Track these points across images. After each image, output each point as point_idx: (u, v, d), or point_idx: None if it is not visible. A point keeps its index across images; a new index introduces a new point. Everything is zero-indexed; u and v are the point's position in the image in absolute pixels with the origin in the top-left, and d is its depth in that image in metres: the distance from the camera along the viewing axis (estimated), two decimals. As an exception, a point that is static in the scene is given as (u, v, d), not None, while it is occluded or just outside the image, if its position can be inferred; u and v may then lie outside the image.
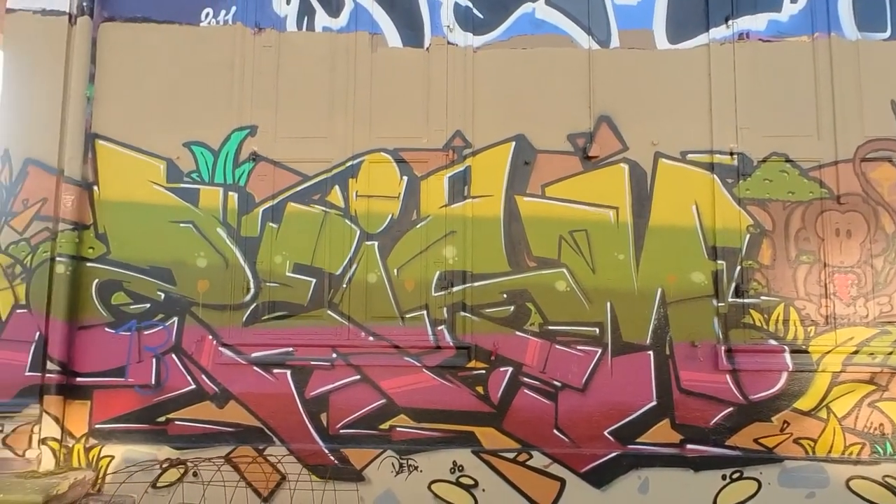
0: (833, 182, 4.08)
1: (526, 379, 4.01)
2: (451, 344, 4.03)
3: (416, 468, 3.93)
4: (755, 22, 4.22)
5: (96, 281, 4.18)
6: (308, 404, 4.04)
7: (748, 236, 4.05)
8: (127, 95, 4.33)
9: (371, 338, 4.07)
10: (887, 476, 3.84)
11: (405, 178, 4.19)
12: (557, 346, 4.02)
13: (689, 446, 3.92)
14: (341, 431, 4.01)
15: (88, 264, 4.20)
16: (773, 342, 4.00)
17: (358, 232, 4.15)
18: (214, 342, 4.09)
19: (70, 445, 4.03)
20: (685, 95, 4.18)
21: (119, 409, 4.08)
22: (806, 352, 3.96)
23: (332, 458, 3.96)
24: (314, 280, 4.14)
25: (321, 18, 4.35)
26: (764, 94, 4.16)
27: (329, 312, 4.11)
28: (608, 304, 4.04)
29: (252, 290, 4.13)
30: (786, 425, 3.93)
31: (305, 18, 4.36)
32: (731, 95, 4.16)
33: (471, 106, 4.22)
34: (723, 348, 3.95)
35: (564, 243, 4.10)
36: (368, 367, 4.05)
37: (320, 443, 3.99)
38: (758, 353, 3.98)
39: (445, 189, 4.16)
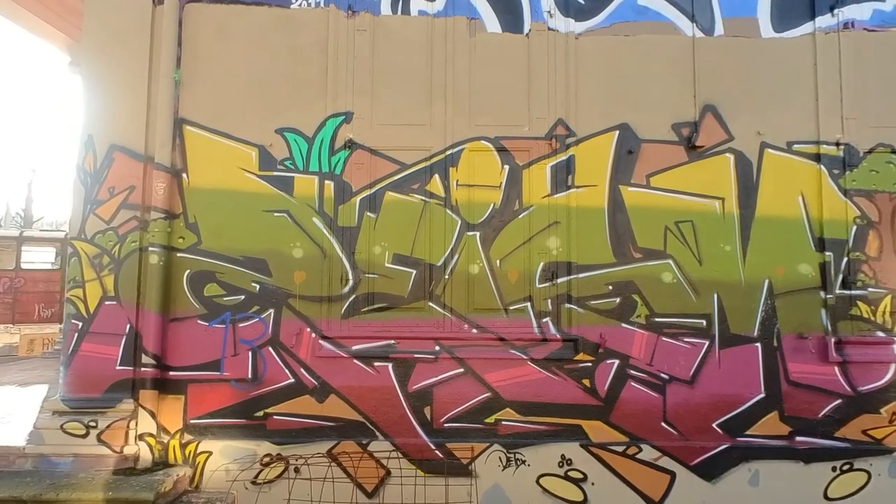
0: (939, 173, 3.88)
1: (633, 371, 3.79)
2: (558, 336, 3.79)
3: (523, 462, 3.70)
4: (860, 11, 4.00)
5: (188, 272, 3.87)
6: (411, 398, 3.79)
7: (855, 228, 3.86)
8: (215, 80, 4.00)
9: (475, 330, 3.82)
10: None
11: (506, 166, 3.93)
12: (664, 339, 3.81)
13: (799, 438, 3.74)
14: (446, 425, 3.77)
15: (179, 254, 3.89)
16: (881, 334, 3.81)
17: (459, 222, 3.88)
18: (313, 335, 3.82)
19: (165, 441, 3.73)
20: (790, 85, 3.96)
21: (215, 404, 3.80)
22: (914, 343, 3.77)
23: (437, 452, 3.70)
24: (414, 271, 3.87)
25: (417, 2, 4.06)
26: (869, 85, 3.96)
27: (431, 304, 3.85)
28: (715, 296, 3.83)
29: (351, 282, 3.85)
30: (894, 417, 3.74)
31: (400, 2, 4.05)
32: (837, 85, 3.94)
33: (573, 94, 3.95)
34: (832, 340, 3.75)
35: (670, 234, 3.87)
36: (472, 359, 3.80)
37: (424, 437, 3.75)
38: (866, 345, 3.80)
39: (548, 178, 3.91)
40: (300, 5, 4.06)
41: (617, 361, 3.82)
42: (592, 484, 3.71)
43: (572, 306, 3.85)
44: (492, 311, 3.87)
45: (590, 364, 3.81)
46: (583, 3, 4.03)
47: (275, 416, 3.80)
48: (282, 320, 3.86)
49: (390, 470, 3.72)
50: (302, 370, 3.83)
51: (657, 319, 3.84)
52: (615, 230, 3.89)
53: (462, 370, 3.81)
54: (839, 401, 3.77)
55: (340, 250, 3.89)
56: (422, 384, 3.81)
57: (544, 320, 3.85)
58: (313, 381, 3.82)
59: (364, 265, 3.90)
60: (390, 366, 3.82)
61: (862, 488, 3.70)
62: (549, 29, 4.03)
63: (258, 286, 3.88)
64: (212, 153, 3.97)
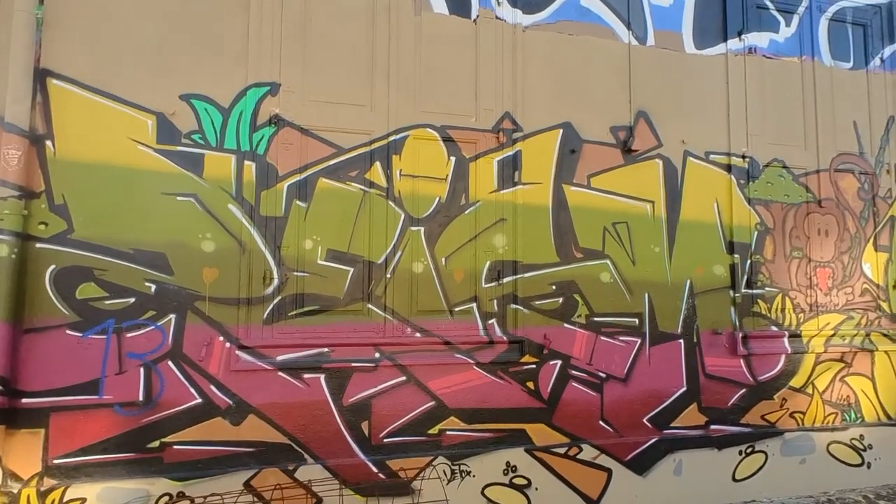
0: (816, 188, 4.25)
1: (574, 372, 3.60)
2: (504, 339, 3.45)
3: (468, 473, 3.31)
4: (760, 39, 4.24)
5: (52, 267, 2.85)
6: (346, 412, 3.19)
7: (756, 233, 4.07)
8: (96, 23, 3.00)
9: (418, 334, 3.33)
10: (853, 439, 4.11)
11: (453, 158, 3.49)
12: (602, 338, 3.67)
13: (713, 427, 3.83)
14: (385, 441, 3.23)
15: (40, 245, 2.84)
16: (774, 328, 4.05)
17: (402, 216, 3.36)
18: (228, 344, 3.03)
19: (16, 490, 2.69)
20: (708, 99, 4.06)
21: (90, 437, 2.84)
22: (798, 336, 4.08)
23: (376, 471, 3.15)
24: (352, 269, 3.27)
25: (356, -33, 3.42)
26: (767, 106, 4.20)
27: (370, 306, 3.28)
28: (646, 296, 3.78)
29: (276, 281, 3.13)
30: (784, 402, 4.02)
31: (338, -36, 3.39)
32: (743, 104, 4.13)
33: (520, 87, 3.65)
34: (739, 335, 3.90)
35: (608, 235, 3.73)
36: (416, 366, 3.32)
37: (362, 456, 3.17)
38: (764, 339, 4.03)
39: (495, 173, 3.55)
40: (214, -52, 3.20)
41: (559, 362, 3.59)
42: (536, 489, 3.43)
43: (518, 307, 3.53)
44: (436, 312, 3.41)
45: (534, 366, 3.53)
46: (530, -5, 3.72)
47: (175, 447, 2.94)
48: (186, 327, 3.01)
49: (322, 497, 3.08)
50: (212, 388, 3.01)
51: (596, 319, 3.69)
52: (559, 229, 3.66)
53: (404, 378, 3.30)
54: (744, 390, 3.94)
55: (263, 244, 3.14)
56: (359, 396, 3.22)
57: (490, 322, 3.48)
58: (227, 399, 3.03)
59: (292, 262, 3.19)
60: (322, 377, 3.18)
61: (761, 468, 3.89)
62: (496, 17, 3.66)
63: (154, 286, 2.98)
64: (89, 118, 2.97)
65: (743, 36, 4.20)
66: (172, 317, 3.00)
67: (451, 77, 3.57)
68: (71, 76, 2.96)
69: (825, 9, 4.46)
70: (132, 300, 2.96)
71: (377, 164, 3.37)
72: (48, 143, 2.91)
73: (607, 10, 3.90)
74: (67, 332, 2.86)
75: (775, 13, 4.33)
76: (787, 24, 4.35)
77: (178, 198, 3.06)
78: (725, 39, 4.16)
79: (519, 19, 3.71)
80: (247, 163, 3.17)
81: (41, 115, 2.91)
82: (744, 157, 4.11)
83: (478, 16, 3.64)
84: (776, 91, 4.27)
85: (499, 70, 3.64)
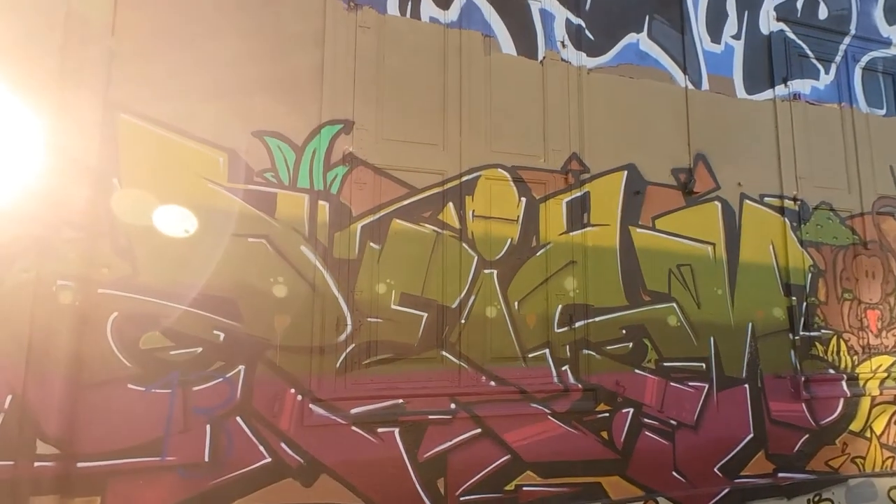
0: (861, 230, 4.30)
1: (646, 420, 3.46)
2: (579, 386, 3.31)
3: (546, 533, 3.09)
4: (803, 86, 4.34)
5: (114, 315, 2.60)
6: (422, 468, 2.97)
7: (810, 275, 4.06)
8: (170, 58, 2.85)
9: (493, 382, 3.16)
10: (912, 484, 4.06)
11: (524, 199, 3.41)
12: (672, 384, 3.55)
13: (781, 475, 3.72)
14: (462, 499, 3.01)
15: (102, 290, 2.60)
16: (831, 371, 4.01)
17: (476, 258, 3.23)
18: (300, 397, 2.81)
19: (68, 570, 2.38)
20: (760, 142, 4.12)
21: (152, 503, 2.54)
22: (855, 379, 4.04)
23: (454, 534, 2.92)
24: (426, 314, 3.10)
25: (428, 7, 3.39)
26: (813, 150, 4.27)
27: (445, 354, 3.11)
28: (711, 339, 3.69)
29: (349, 328, 2.94)
30: (845, 446, 3.95)
31: (409, 4, 3.35)
32: (791, 147, 4.19)
33: (586, 129, 3.61)
34: (801, 378, 3.84)
35: (673, 277, 3.66)
36: (492, 417, 3.14)
37: (438, 517, 2.93)
38: (823, 382, 3.97)
39: (564, 215, 3.47)
40: (289, -15, 3.11)
41: (632, 410, 3.46)
42: (614, 547, 3.23)
43: (590, 352, 3.40)
44: (510, 359, 3.25)
45: (608, 414, 3.39)
46: (593, 39, 3.74)
47: (243, 512, 2.66)
48: (256, 379, 2.78)
49: (398, 564, 2.82)
50: (283, 445, 2.77)
51: (665, 364, 3.57)
52: (626, 272, 3.57)
53: (480, 430, 3.11)
54: (807, 435, 3.86)
55: (336, 288, 2.96)
56: (435, 451, 3.01)
57: (563, 368, 3.34)
58: (298, 458, 2.79)
59: (365, 307, 3.01)
60: (397, 431, 2.96)
61: (828, 517, 3.78)
62: (562, 59, 3.65)
63: (223, 334, 2.75)
64: (158, 154, 2.78)
65: (788, 82, 4.29)
66: (241, 368, 2.77)
67: (520, 117, 3.52)
68: (141, 111, 2.79)
69: (859, 58, 4.62)
70: (199, 350, 2.72)
71: (450, 204, 3.26)
72: (115, 180, 2.70)
73: (664, 55, 3.94)
74: (129, 386, 2.60)
75: (815, 62, 4.46)
76: (826, 72, 4.48)
77: (250, 239, 2.87)
78: (773, 85, 4.24)
79: (583, 62, 3.71)
80: (320, 202, 3.01)
81: (109, 151, 2.71)
82: (795, 199, 4.14)
83: (544, 57, 3.63)
84: (819, 136, 4.36)
85: (565, 111, 3.61)
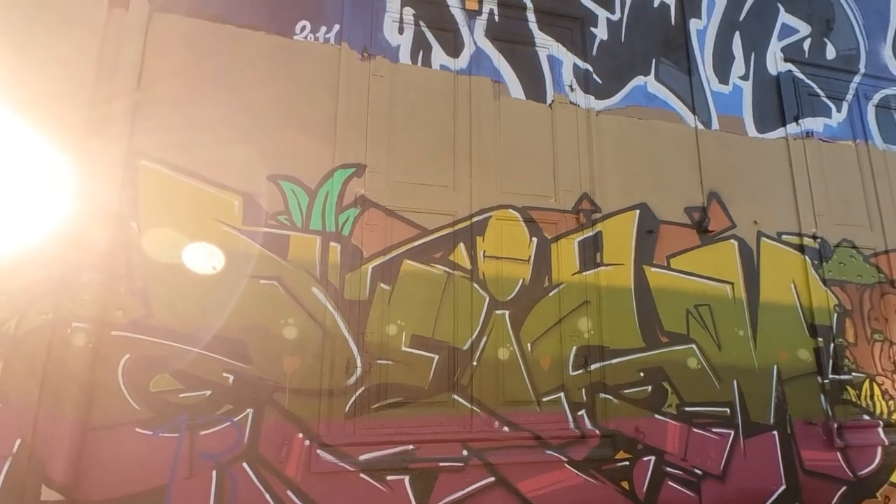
0: (886, 268, 4.17)
1: (669, 469, 3.28)
2: (597, 432, 3.18)
3: (566, 593, 2.89)
4: (815, 124, 4.32)
5: (126, 357, 2.61)
6: (433, 520, 2.83)
7: (836, 315, 3.91)
8: (187, 107, 2.97)
9: (506, 428, 3.05)
10: (965, 543, 3.73)
11: (535, 239, 3.39)
12: (695, 430, 3.39)
13: (819, 531, 3.46)
14: (475, 554, 2.85)
15: (116, 333, 2.62)
16: (866, 417, 3.79)
17: (487, 299, 3.20)
18: (307, 442, 2.74)
19: None
20: (774, 180, 4.08)
21: (153, 555, 2.46)
22: (893, 425, 3.81)
23: (467, 592, 2.76)
24: (437, 357, 3.05)
25: (438, 56, 3.51)
26: (830, 187, 4.20)
27: (456, 397, 3.03)
28: (734, 382, 3.54)
29: (359, 370, 2.90)
30: (886, 500, 3.67)
31: (420, 53, 3.47)
32: (807, 184, 4.14)
33: (596, 169, 3.63)
34: (834, 425, 3.63)
35: (691, 318, 3.56)
36: (505, 465, 3.01)
37: (450, 573, 2.78)
38: (859, 429, 3.75)
39: (576, 254, 3.43)
40: (306, 38, 3.28)
41: (653, 458, 3.29)
42: None
43: (607, 396, 3.28)
44: (524, 403, 3.16)
45: (628, 462, 3.23)
46: (600, 82, 3.81)
47: (246, 565, 2.56)
48: (264, 423, 2.74)
49: None
50: (290, 493, 2.69)
51: (687, 409, 3.42)
52: (643, 312, 3.49)
53: (493, 479, 2.99)
54: (845, 487, 3.62)
55: (346, 330, 2.94)
56: (446, 500, 2.89)
57: (579, 413, 3.23)
58: (305, 507, 2.69)
59: (376, 349, 2.98)
60: (407, 479, 2.86)
61: (874, 579, 3.48)
62: (570, 103, 3.71)
63: (232, 377, 2.74)
64: (176, 198, 2.86)
65: (799, 121, 4.29)
66: (250, 411, 2.74)
67: (531, 159, 3.56)
68: (162, 158, 2.90)
69: (871, 96, 4.62)
70: (208, 393, 2.71)
71: (461, 245, 3.26)
72: (133, 224, 2.78)
73: (672, 96, 3.99)
74: (137, 430, 2.58)
75: (826, 100, 4.46)
76: (838, 111, 4.48)
77: (262, 280, 2.90)
78: (784, 124, 4.24)
79: (591, 104, 3.77)
80: (332, 244, 3.04)
81: (129, 196, 2.80)
82: (814, 237, 4.05)
83: (553, 101, 3.70)
84: (836, 173, 4.31)
85: (575, 152, 3.65)
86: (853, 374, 3.89)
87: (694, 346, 3.56)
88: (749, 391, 3.60)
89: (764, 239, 3.93)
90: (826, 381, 3.78)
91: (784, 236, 3.99)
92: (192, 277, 2.80)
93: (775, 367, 3.70)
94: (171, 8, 3.07)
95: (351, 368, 2.92)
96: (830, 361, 3.84)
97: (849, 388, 3.85)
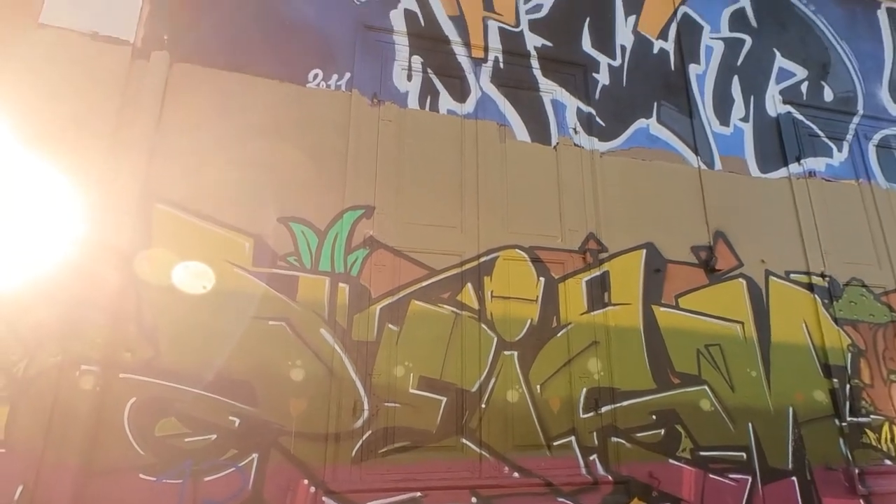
0: (898, 307, 4.12)
1: (686, 517, 3.16)
2: (609, 478, 3.09)
3: None
4: (817, 163, 4.38)
5: (132, 400, 2.59)
6: (441, 573, 2.72)
7: (849, 355, 3.85)
8: (202, 152, 3.06)
9: (517, 474, 2.98)
10: None
11: (542, 279, 3.40)
12: (711, 476, 3.28)
13: (846, 586, 3.29)
14: None
15: (123, 375, 2.61)
16: (888, 462, 3.67)
17: (495, 339, 3.19)
18: (312, 488, 2.68)
19: None
20: (780, 219, 4.10)
21: None
22: (917, 471, 3.68)
23: None
24: (445, 399, 3.01)
25: (445, 101, 3.63)
26: (835, 224, 4.23)
27: (465, 441, 2.97)
28: (749, 425, 3.46)
29: (366, 413, 2.86)
30: (916, 552, 3.50)
31: (428, 98, 3.59)
32: (812, 223, 4.15)
33: (602, 209, 3.67)
34: (856, 471, 3.51)
35: (702, 358, 3.51)
36: (516, 513, 2.90)
37: None
38: (882, 475, 3.62)
39: (584, 294, 3.43)
40: (318, 85, 3.40)
41: (669, 506, 3.17)
42: None
43: (619, 440, 3.20)
44: (534, 448, 3.09)
45: (642, 511, 3.11)
46: (604, 125, 3.91)
47: None
48: (269, 469, 2.69)
49: None
50: (293, 543, 2.60)
51: (702, 453, 3.33)
52: (653, 353, 3.45)
53: (503, 528, 2.88)
54: (871, 538, 3.46)
55: (354, 372, 2.92)
56: (455, 552, 2.78)
57: (591, 458, 3.15)
58: (309, 558, 2.60)
59: (383, 391, 2.95)
60: (415, 528, 2.77)
61: None
62: (574, 145, 3.80)
63: (238, 420, 2.71)
64: (188, 240, 2.91)
65: (801, 161, 4.35)
66: (255, 456, 2.69)
67: (536, 199, 3.61)
68: (175, 200, 2.96)
69: (870, 136, 4.69)
70: (214, 437, 2.67)
71: (469, 285, 3.27)
72: (146, 264, 2.81)
73: (675, 138, 4.08)
74: (141, 476, 2.54)
75: (827, 140, 4.53)
76: (840, 150, 4.54)
77: (270, 322, 2.90)
78: (786, 164, 4.30)
79: (595, 146, 3.85)
80: (340, 285, 3.06)
81: (142, 237, 2.85)
82: (823, 275, 4.04)
83: (557, 143, 3.79)
84: (841, 211, 4.33)
85: (580, 192, 3.70)
86: (871, 416, 3.79)
87: (706, 387, 3.50)
88: (765, 434, 3.51)
89: (772, 278, 3.92)
90: (844, 423, 3.68)
91: (792, 275, 3.98)
92: (202, 317, 2.81)
93: (791, 408, 3.62)
94: (191, 58, 3.21)
95: (358, 411, 2.89)
96: (847, 403, 3.75)
97: (868, 431, 3.75)
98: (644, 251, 3.70)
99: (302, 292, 3.00)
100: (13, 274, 2.53)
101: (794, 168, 4.31)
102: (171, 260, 2.87)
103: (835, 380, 3.77)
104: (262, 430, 2.73)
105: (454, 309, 3.21)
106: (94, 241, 2.69)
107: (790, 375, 3.70)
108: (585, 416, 3.23)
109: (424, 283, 3.21)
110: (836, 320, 3.95)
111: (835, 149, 4.54)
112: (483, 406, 3.08)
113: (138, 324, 2.73)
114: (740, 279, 3.85)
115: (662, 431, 3.33)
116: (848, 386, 3.80)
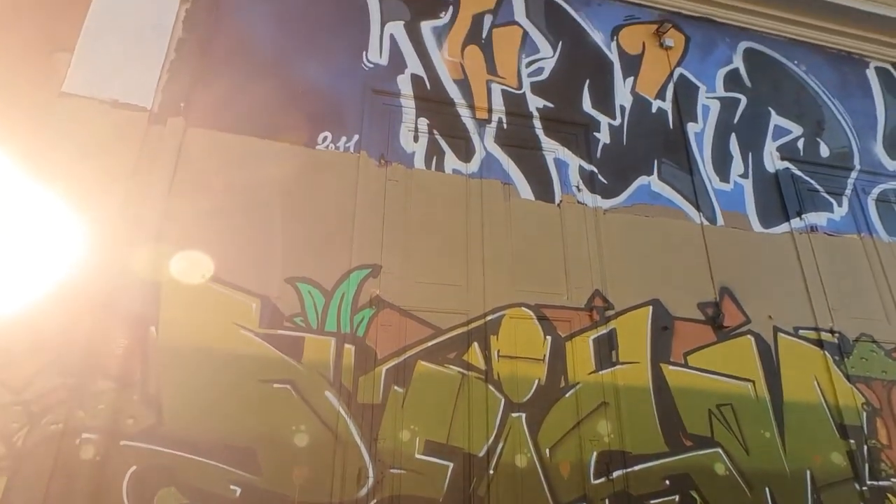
0: (911, 363, 4.06)
1: (706, 593, 3.00)
2: (624, 550, 2.95)
3: None
4: (818, 218, 4.43)
5: (133, 469, 2.53)
6: None
7: (865, 414, 3.76)
8: (210, 214, 3.11)
9: (527, 545, 2.85)
10: None
11: (549, 337, 3.37)
12: (730, 546, 3.14)
13: None
14: None
15: (124, 443, 2.56)
16: (914, 530, 3.52)
17: (502, 400, 3.14)
18: (315, 564, 2.57)
19: None
20: (784, 274, 4.11)
21: None
22: (945, 540, 3.52)
23: None
24: (451, 464, 2.93)
25: (451, 161, 3.72)
26: (841, 279, 4.22)
27: (472, 510, 2.86)
28: (767, 491, 3.34)
29: (371, 480, 2.78)
30: None
31: (434, 158, 3.69)
32: (818, 278, 4.15)
33: (606, 266, 3.69)
34: (881, 540, 3.36)
35: (714, 419, 3.44)
36: (527, 589, 2.77)
37: None
38: (908, 544, 3.45)
39: (592, 353, 3.39)
40: (327, 147, 3.50)
41: (687, 579, 3.02)
42: None
43: (633, 507, 3.09)
44: (544, 516, 2.97)
45: (660, 586, 2.96)
46: (606, 182, 3.99)
47: None
48: (269, 542, 2.58)
49: None
50: None
51: (719, 521, 3.20)
52: (663, 413, 3.39)
53: None
54: None
55: (359, 436, 2.87)
56: None
57: (604, 527, 3.02)
58: None
59: (388, 456, 2.88)
60: None
61: None
62: (578, 202, 3.86)
63: (239, 489, 2.63)
64: (196, 302, 2.92)
65: (802, 216, 4.40)
66: (255, 528, 2.60)
67: (541, 257, 3.64)
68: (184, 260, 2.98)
69: (869, 190, 4.76)
70: (213, 508, 2.58)
71: (475, 344, 3.25)
72: (152, 328, 2.82)
73: (676, 194, 4.14)
74: (137, 550, 2.44)
75: (826, 195, 4.60)
76: (840, 205, 4.60)
77: (275, 384, 2.87)
78: (788, 219, 4.35)
79: (598, 203, 3.91)
80: (346, 346, 3.05)
81: (150, 302, 2.86)
82: (832, 331, 4.00)
83: (561, 200, 3.85)
84: (845, 266, 4.34)
85: (584, 249, 3.73)
86: (892, 479, 3.66)
87: (720, 449, 3.41)
88: (783, 500, 3.39)
89: (781, 334, 3.89)
90: (864, 487, 3.56)
91: (801, 331, 3.95)
92: (207, 383, 2.78)
93: (808, 472, 3.51)
94: (205, 124, 3.33)
95: (363, 478, 2.81)
96: (867, 465, 3.63)
97: (890, 496, 3.61)
98: (651, 308, 3.69)
99: (307, 354, 2.98)
100: (21, 339, 2.53)
101: (795, 223, 4.35)
102: (180, 323, 2.86)
103: (851, 440, 3.67)
104: (264, 499, 2.65)
105: (460, 369, 3.18)
106: (102, 304, 2.70)
107: (805, 436, 3.61)
108: (597, 481, 3.14)
109: (430, 343, 3.19)
110: (848, 377, 3.89)
111: (835, 203, 4.60)
112: (491, 472, 3.00)
113: (142, 389, 2.70)
114: (748, 336, 3.82)
115: (677, 498, 3.22)
116: (865, 447, 3.70)
